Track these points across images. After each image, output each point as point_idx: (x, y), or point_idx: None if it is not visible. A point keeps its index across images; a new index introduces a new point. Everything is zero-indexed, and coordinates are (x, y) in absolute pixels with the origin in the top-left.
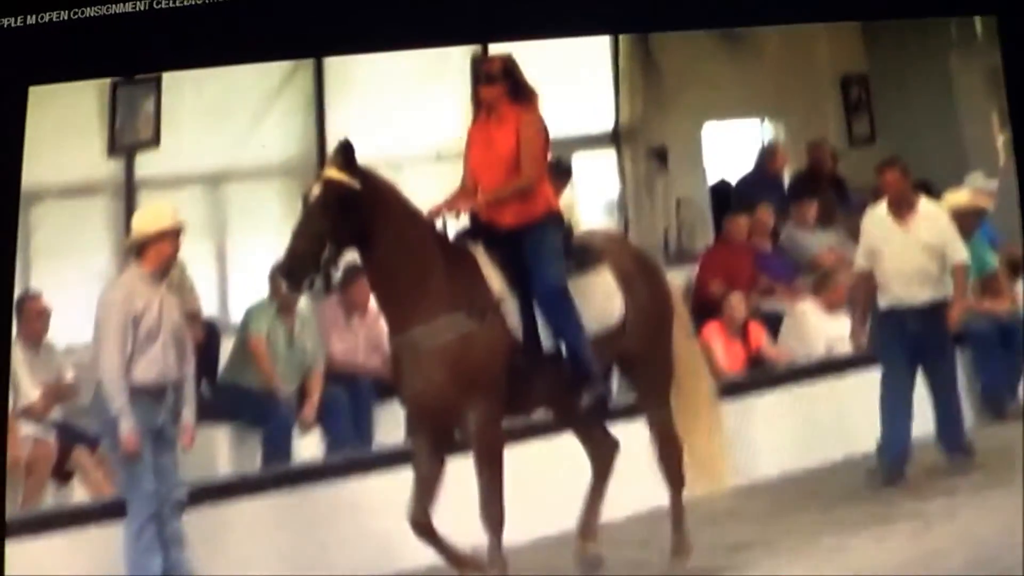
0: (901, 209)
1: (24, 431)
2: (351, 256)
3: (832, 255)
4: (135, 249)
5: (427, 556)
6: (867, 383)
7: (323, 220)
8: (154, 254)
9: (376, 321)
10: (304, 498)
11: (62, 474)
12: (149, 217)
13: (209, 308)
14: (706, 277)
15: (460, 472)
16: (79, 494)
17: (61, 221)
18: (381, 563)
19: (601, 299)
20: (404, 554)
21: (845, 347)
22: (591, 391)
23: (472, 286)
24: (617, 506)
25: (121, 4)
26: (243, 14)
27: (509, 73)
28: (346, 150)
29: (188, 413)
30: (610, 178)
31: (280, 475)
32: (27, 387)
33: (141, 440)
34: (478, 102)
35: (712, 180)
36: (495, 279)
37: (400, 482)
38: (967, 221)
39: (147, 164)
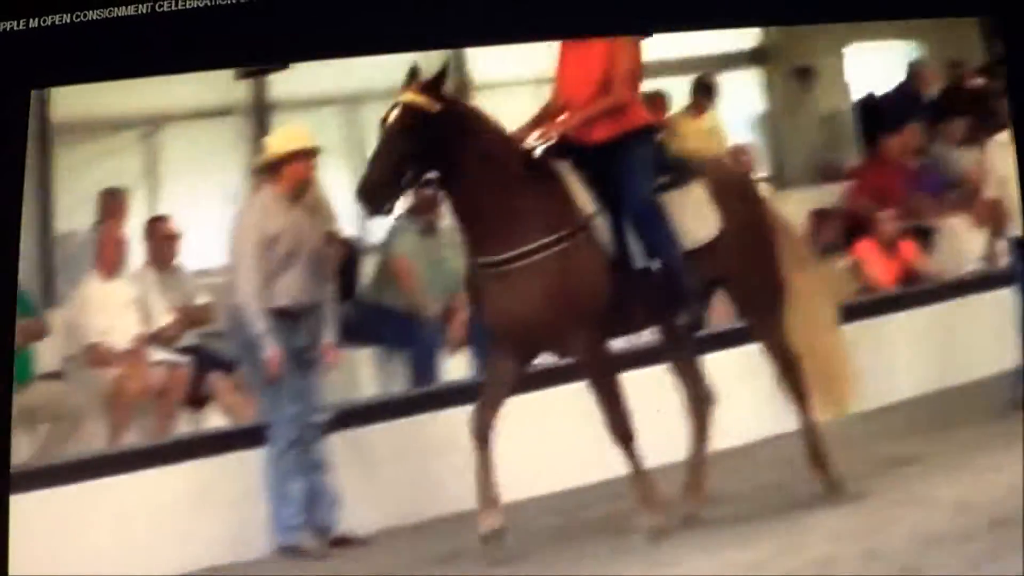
0: None
1: (155, 356)
2: None
3: (979, 171)
4: (269, 170)
5: (571, 479)
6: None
7: (401, 144)
8: (288, 175)
9: None
10: (449, 420)
11: (197, 400)
12: (282, 138)
13: (348, 229)
14: (857, 195)
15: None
16: (213, 420)
17: (190, 143)
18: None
19: (695, 215)
20: (550, 476)
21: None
22: (687, 308)
23: (561, 205)
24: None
25: (124, 7)
26: (244, 16)
27: None
28: (418, 74)
29: (330, 334)
30: (755, 96)
31: (425, 396)
32: (158, 312)
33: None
34: None
35: (857, 97)
36: (584, 197)
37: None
38: None
39: (280, 86)
